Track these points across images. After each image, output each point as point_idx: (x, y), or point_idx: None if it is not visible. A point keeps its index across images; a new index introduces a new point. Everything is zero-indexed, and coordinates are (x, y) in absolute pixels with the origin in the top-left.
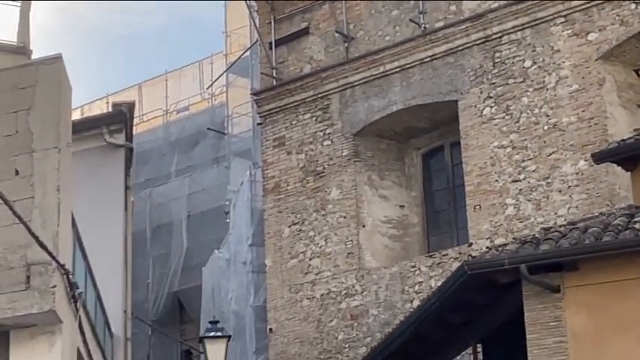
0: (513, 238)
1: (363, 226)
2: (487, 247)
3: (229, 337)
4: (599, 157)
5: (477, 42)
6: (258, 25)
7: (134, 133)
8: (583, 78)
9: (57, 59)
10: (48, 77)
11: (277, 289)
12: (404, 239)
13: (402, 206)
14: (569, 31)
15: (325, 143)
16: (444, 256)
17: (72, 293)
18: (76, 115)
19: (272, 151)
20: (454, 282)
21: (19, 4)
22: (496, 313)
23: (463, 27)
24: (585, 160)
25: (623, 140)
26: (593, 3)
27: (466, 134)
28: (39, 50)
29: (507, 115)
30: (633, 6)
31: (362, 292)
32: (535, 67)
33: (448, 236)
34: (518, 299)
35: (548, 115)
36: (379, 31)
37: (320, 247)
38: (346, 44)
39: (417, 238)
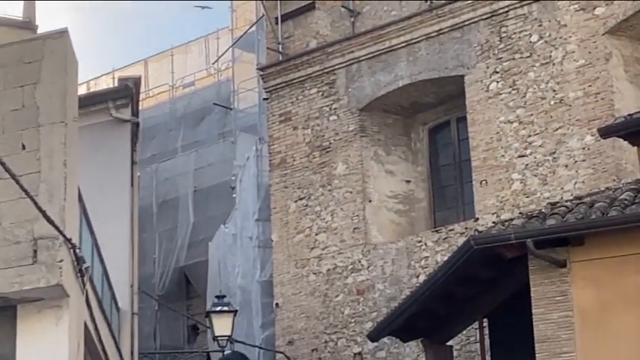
0: (520, 213)
1: (370, 201)
2: (493, 222)
3: (236, 311)
4: (605, 132)
5: (484, 17)
6: (264, 0)
7: (140, 108)
8: (590, 53)
9: (63, 34)
10: (54, 52)
11: (283, 264)
12: (410, 214)
13: (408, 181)
14: (576, 6)
15: (331, 118)
16: (450, 231)
17: (79, 267)
18: (82, 91)
19: (278, 126)
20: (460, 257)
21: None
22: (502, 287)
23: (469, 1)
24: (592, 135)
25: (629, 115)
26: None
27: (472, 109)
28: (45, 26)
29: (514, 90)
30: None
31: (368, 267)
32: (541, 41)
33: (454, 211)
34: (524, 274)
35: (554, 90)
36: (385, 6)
37: (326, 222)
38: (352, 19)
39: (423, 213)
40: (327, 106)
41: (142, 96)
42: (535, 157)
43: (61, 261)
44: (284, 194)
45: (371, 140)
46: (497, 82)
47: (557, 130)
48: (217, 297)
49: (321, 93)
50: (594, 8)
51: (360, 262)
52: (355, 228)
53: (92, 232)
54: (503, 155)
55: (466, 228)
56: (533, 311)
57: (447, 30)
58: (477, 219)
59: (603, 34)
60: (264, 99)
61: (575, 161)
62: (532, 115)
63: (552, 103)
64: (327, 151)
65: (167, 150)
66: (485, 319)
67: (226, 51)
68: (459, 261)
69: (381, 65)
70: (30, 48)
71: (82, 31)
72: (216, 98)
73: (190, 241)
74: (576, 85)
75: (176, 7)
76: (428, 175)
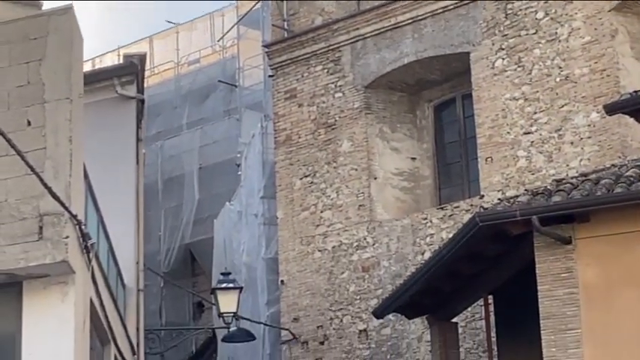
0: (525, 190)
1: (375, 179)
2: (499, 199)
3: (241, 288)
4: (611, 109)
5: None
6: None
7: (145, 85)
8: (595, 29)
9: (68, 10)
10: (59, 28)
11: (289, 241)
12: (415, 191)
13: (413, 158)
14: None
15: (337, 95)
16: (455, 208)
17: (84, 244)
18: (87, 68)
19: (283, 103)
20: (465, 234)
21: None
22: (507, 264)
23: None
24: (597, 112)
25: (635, 92)
26: None
27: (478, 86)
28: (50, 2)
29: (519, 67)
30: None
31: (373, 244)
32: (547, 18)
33: (459, 188)
34: (529, 251)
35: (560, 67)
36: None
37: (331, 200)
38: None
39: (429, 190)
40: (333, 83)
41: (147, 73)
42: (540, 134)
43: (66, 237)
44: (289, 171)
45: (376, 117)
46: (503, 59)
47: (562, 107)
48: (223, 274)
49: (326, 70)
50: None
51: (365, 239)
52: (360, 205)
53: (98, 209)
54: (508, 132)
55: (471, 205)
56: (539, 288)
57: (452, 7)
58: (483, 196)
59: (609, 11)
60: (270, 76)
61: (581, 138)
62: (537, 92)
63: (558, 80)
64: (333, 129)
65: (172, 127)
66: (490, 296)
67: (231, 28)
68: (465, 238)
69: (387, 42)
70: (35, 24)
71: (87, 8)
72: (222, 75)
73: (196, 219)
74: (582, 62)
75: None
76: (433, 152)
